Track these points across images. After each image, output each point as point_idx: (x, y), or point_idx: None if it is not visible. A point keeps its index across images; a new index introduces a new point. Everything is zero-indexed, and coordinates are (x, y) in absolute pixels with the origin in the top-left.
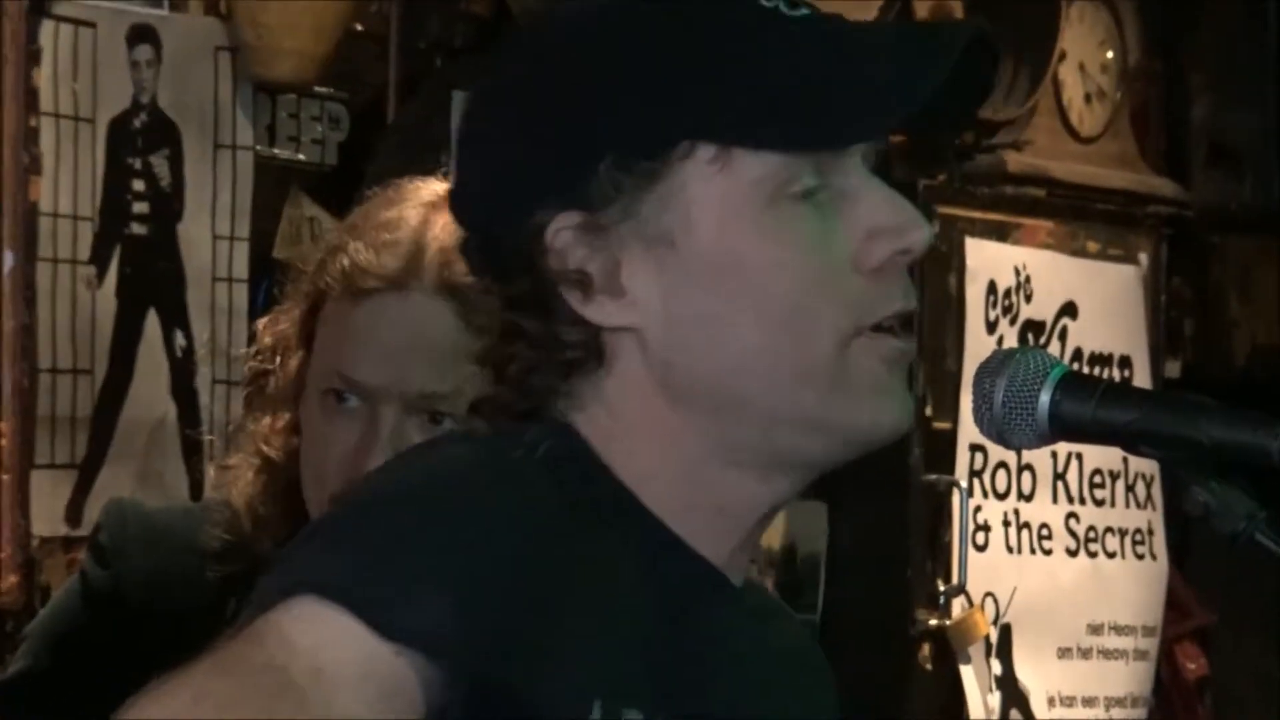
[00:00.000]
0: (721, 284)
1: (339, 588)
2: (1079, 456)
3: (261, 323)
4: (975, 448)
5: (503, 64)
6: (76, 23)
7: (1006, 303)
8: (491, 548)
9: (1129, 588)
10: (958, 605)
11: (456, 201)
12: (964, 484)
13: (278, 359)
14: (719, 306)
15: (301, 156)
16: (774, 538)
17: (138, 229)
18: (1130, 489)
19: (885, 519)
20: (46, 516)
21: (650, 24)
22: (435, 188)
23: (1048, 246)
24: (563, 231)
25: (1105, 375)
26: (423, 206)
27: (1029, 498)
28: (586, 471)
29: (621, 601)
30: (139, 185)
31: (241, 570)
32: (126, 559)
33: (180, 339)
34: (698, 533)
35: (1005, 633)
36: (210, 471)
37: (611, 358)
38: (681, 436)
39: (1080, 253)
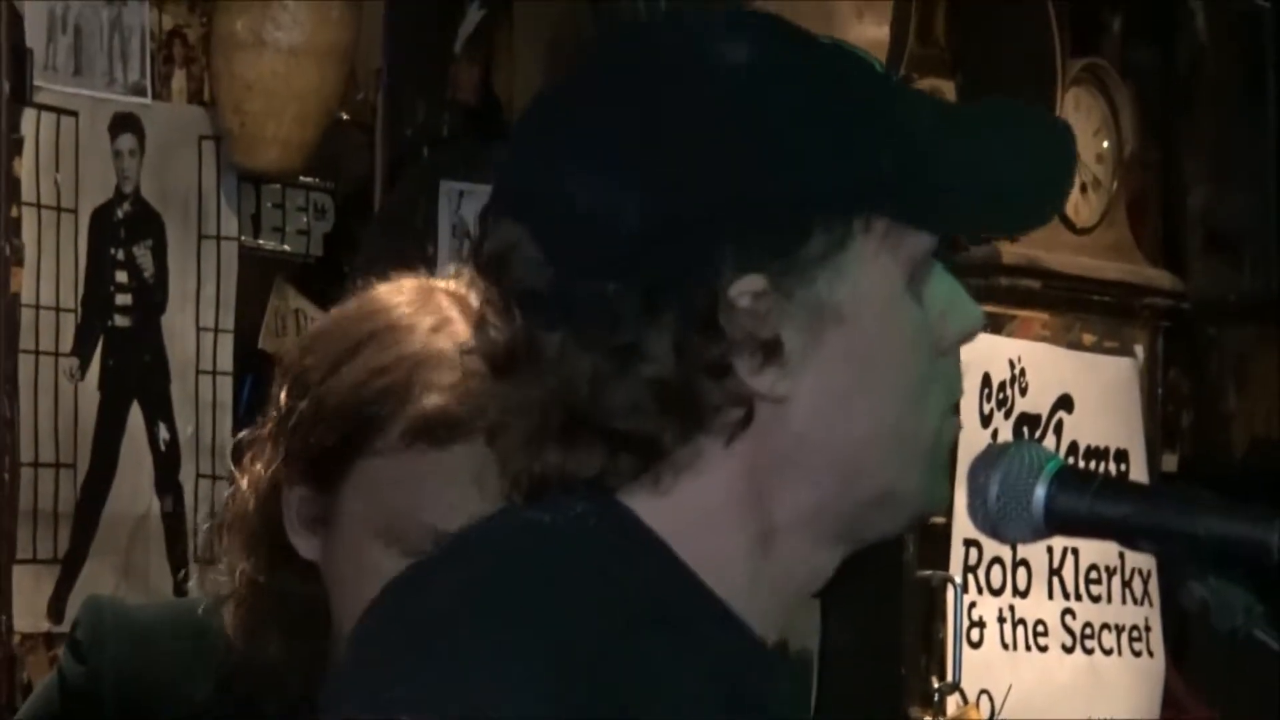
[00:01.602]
0: (874, 361)
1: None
2: (1075, 551)
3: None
4: (970, 543)
5: (650, 83)
6: (58, 111)
7: (1001, 396)
8: (579, 670)
9: (1126, 685)
10: (952, 703)
11: (588, 229)
12: (958, 580)
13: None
14: (867, 382)
15: (286, 247)
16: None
17: (121, 320)
18: (1127, 584)
19: (879, 615)
20: (28, 612)
21: (827, 85)
22: (459, 295)
23: (1043, 338)
24: (748, 294)
25: (1101, 469)
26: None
27: (1024, 593)
28: (651, 558)
29: (692, 709)
30: (122, 276)
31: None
32: (103, 656)
33: (164, 432)
34: (757, 607)
35: None
36: (195, 567)
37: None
38: (773, 511)
39: (1076, 345)
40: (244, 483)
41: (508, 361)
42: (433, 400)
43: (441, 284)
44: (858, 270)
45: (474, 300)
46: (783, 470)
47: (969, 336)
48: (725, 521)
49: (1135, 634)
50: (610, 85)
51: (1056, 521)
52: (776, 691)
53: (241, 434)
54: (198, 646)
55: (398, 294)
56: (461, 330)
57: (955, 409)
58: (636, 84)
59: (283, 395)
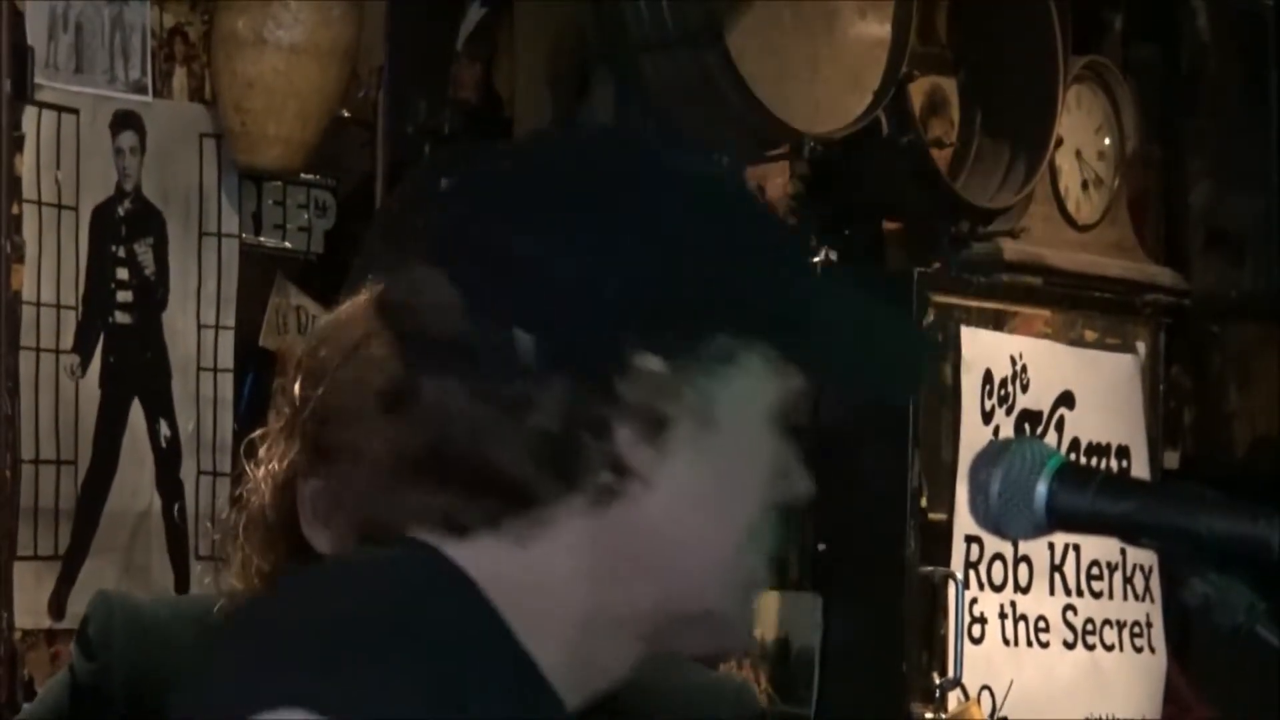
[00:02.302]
0: (733, 477)
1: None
2: (1076, 548)
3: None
4: (971, 539)
5: (604, 166)
6: (59, 109)
7: (1003, 392)
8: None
9: (1127, 681)
10: (954, 699)
11: (516, 280)
12: (960, 576)
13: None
14: (722, 496)
15: (287, 244)
16: (768, 631)
17: (121, 318)
18: (1129, 581)
19: (880, 612)
20: (29, 609)
21: (763, 223)
22: None
23: (1045, 335)
24: (646, 371)
25: (1103, 466)
26: None
27: (1026, 590)
28: (481, 621)
29: None
30: (123, 273)
31: None
32: (112, 653)
33: (164, 429)
34: (565, 682)
35: None
36: (196, 564)
37: (605, 504)
38: (613, 596)
39: (1077, 342)
40: (258, 476)
41: (385, 399)
42: None
43: None
44: (739, 387)
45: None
46: (630, 561)
47: (794, 503)
48: (565, 593)
49: (1137, 630)
50: (563, 161)
51: (1058, 518)
52: None
53: (254, 434)
54: (208, 643)
55: None
56: None
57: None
58: (585, 165)
59: (296, 387)
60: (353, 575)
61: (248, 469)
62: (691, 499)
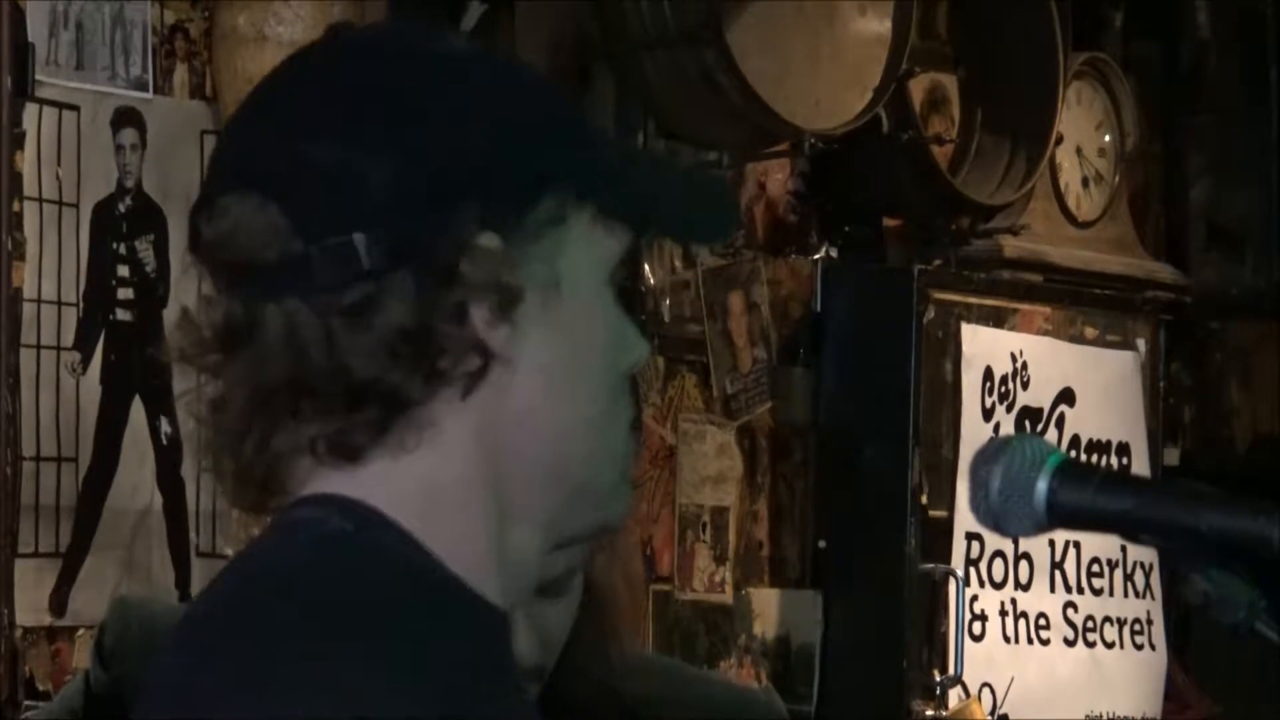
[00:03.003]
0: (585, 343)
1: None
2: (1077, 545)
3: None
4: (972, 536)
5: (390, 61)
6: (60, 106)
7: (1003, 389)
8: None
9: (1127, 678)
10: (954, 696)
11: (335, 190)
12: (960, 573)
13: None
14: (578, 364)
15: None
16: (768, 628)
17: (122, 315)
18: (1129, 578)
19: (880, 609)
20: (30, 606)
21: (553, 91)
22: None
23: (1045, 332)
24: (488, 250)
25: (1103, 463)
26: None
27: (1026, 587)
28: (404, 552)
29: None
30: (123, 270)
31: None
32: (127, 663)
33: (165, 426)
34: (494, 588)
35: None
36: (196, 561)
37: (471, 393)
38: (500, 492)
39: (1078, 338)
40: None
41: (228, 339)
42: None
43: None
44: (573, 249)
45: None
46: (509, 450)
47: (634, 368)
48: (458, 498)
49: (1137, 627)
50: (344, 65)
51: (1058, 515)
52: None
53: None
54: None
55: None
56: None
57: (635, 426)
58: (372, 64)
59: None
60: (269, 569)
61: None
62: (551, 372)
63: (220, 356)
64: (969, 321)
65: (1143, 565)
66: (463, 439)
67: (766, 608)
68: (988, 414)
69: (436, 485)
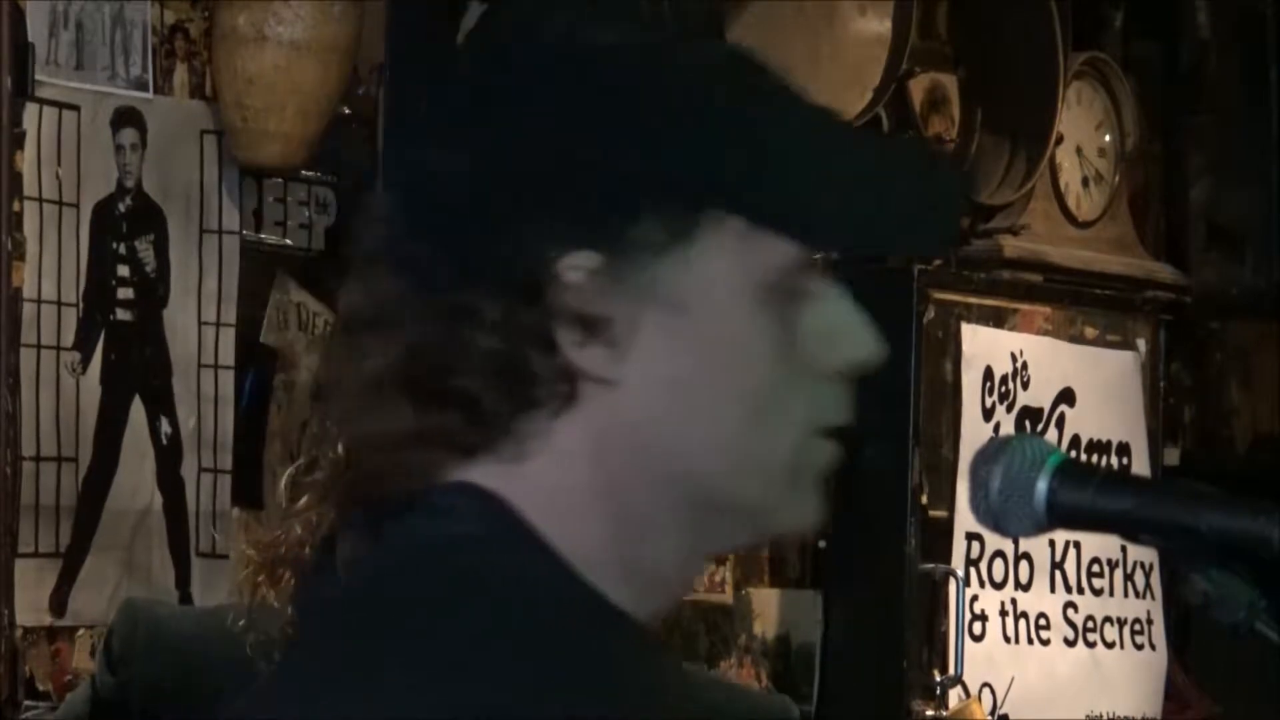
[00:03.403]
0: (717, 361)
1: None
2: (1077, 545)
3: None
4: (972, 536)
5: (519, 58)
6: (60, 106)
7: (1003, 389)
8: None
9: (1128, 678)
10: (954, 696)
11: (426, 192)
12: (960, 573)
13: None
14: (706, 379)
15: (288, 241)
16: (769, 628)
17: (122, 315)
18: (1129, 578)
19: (881, 609)
20: (30, 606)
21: (699, 81)
22: None
23: (1045, 332)
24: (579, 270)
25: (1103, 463)
26: None
27: (1026, 587)
28: (532, 554)
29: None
30: (123, 270)
31: None
32: (134, 668)
33: (165, 426)
34: (634, 602)
35: None
36: (196, 561)
37: (577, 407)
38: (628, 503)
39: (1078, 338)
40: (297, 529)
41: (360, 320)
42: None
43: None
44: (704, 265)
45: None
46: (628, 460)
47: (857, 366)
48: (582, 505)
49: (1137, 627)
50: (465, 62)
51: (1058, 515)
52: (663, 675)
53: (291, 470)
54: (231, 658)
55: None
56: None
57: (831, 434)
58: (486, 59)
59: (340, 446)
60: (413, 566)
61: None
62: (668, 388)
63: (347, 339)
64: (969, 321)
65: (1143, 565)
66: (577, 449)
67: (766, 607)
68: (988, 414)
69: (554, 490)
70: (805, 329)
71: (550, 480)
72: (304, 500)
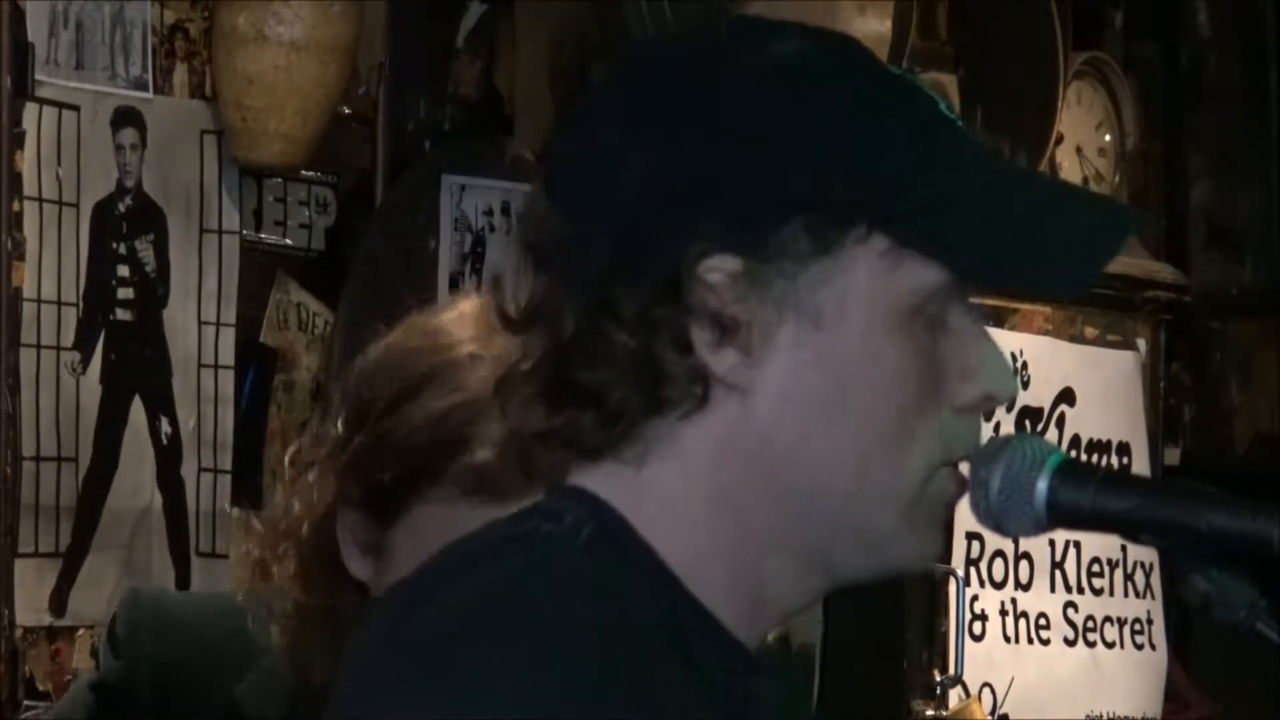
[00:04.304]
0: (849, 379)
1: None
2: (1077, 545)
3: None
4: (972, 536)
5: (687, 63)
6: (60, 106)
7: None
8: (591, 684)
9: (1128, 678)
10: (954, 696)
11: (589, 182)
12: (960, 573)
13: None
14: (838, 397)
15: (288, 241)
16: None
17: (122, 314)
18: (1129, 578)
19: (881, 608)
20: (30, 606)
21: (863, 95)
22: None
23: (1045, 332)
24: (720, 272)
25: (1103, 463)
26: None
27: (1026, 587)
28: (635, 563)
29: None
30: (123, 270)
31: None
32: (141, 652)
33: (165, 426)
34: (737, 619)
35: None
36: (196, 561)
37: (706, 412)
38: (745, 515)
39: (1078, 338)
40: (296, 505)
41: (520, 315)
42: (488, 455)
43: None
44: (845, 280)
45: None
46: (751, 471)
47: (993, 402)
48: (699, 515)
49: (1137, 627)
50: (638, 66)
51: (1058, 515)
52: (759, 698)
53: (293, 448)
54: (236, 642)
55: (460, 324)
56: None
57: (957, 470)
58: (662, 64)
59: (340, 424)
60: (512, 563)
61: (281, 487)
62: (801, 403)
63: (512, 330)
64: None
65: (1143, 565)
66: (703, 456)
67: None
68: (988, 414)
69: (672, 497)
70: (944, 359)
71: (669, 486)
72: (304, 475)
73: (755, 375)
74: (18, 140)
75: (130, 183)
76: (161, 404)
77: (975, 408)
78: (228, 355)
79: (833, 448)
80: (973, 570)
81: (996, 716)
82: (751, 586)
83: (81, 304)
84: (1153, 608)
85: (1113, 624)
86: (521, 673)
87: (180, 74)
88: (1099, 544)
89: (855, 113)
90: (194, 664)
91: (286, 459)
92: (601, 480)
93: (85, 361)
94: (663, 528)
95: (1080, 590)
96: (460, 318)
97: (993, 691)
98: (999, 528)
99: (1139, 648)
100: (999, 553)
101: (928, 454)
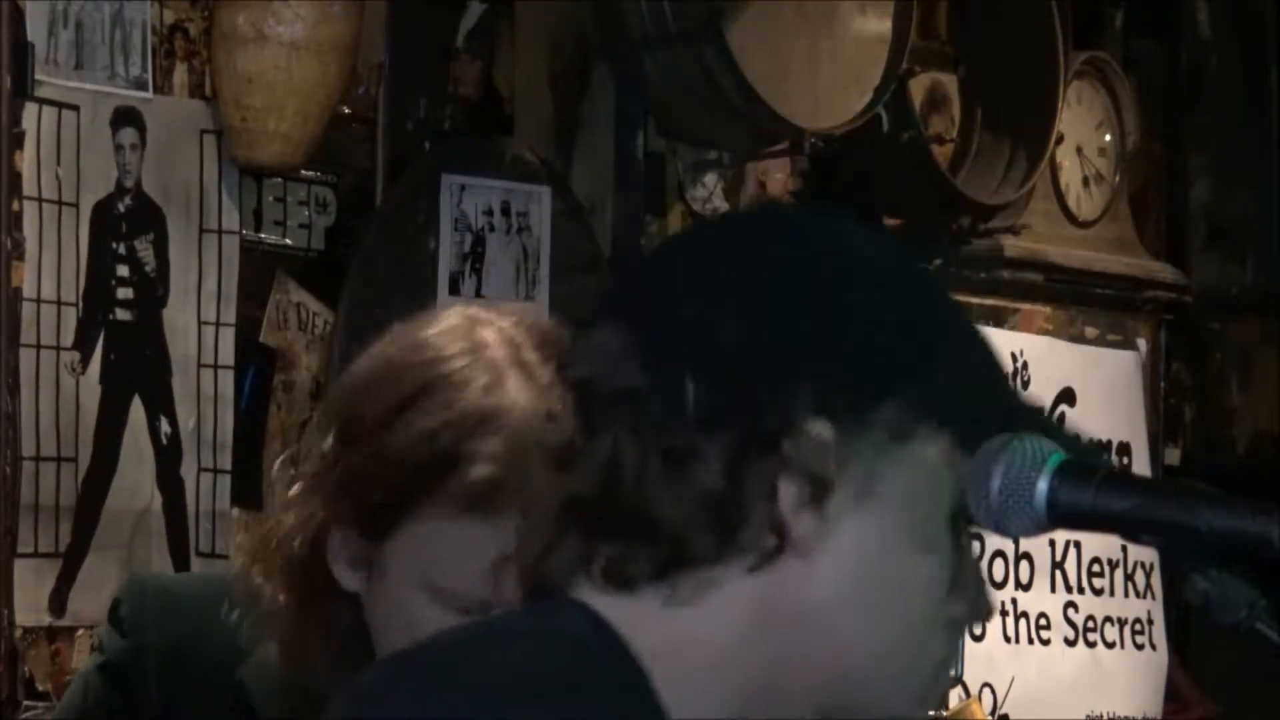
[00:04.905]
0: (900, 558)
1: None
2: (1077, 545)
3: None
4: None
5: (789, 239)
6: (59, 105)
7: None
8: None
9: (1128, 678)
10: (955, 696)
11: (688, 337)
12: None
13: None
14: (889, 586)
15: (288, 241)
16: None
17: (122, 314)
18: (1129, 578)
19: None
20: (29, 606)
21: (937, 304)
22: (503, 332)
23: (1045, 332)
24: (815, 436)
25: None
26: (523, 387)
27: (1027, 587)
28: (635, 691)
29: None
30: (123, 270)
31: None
32: (147, 631)
33: (165, 426)
34: None
35: None
36: (196, 561)
37: (768, 569)
38: (773, 677)
39: (1078, 338)
40: (287, 519)
41: (563, 454)
42: (481, 472)
43: (490, 322)
44: (911, 470)
45: (524, 342)
46: (794, 638)
47: (972, 621)
48: (724, 664)
49: (1138, 627)
50: (748, 235)
51: (1059, 515)
52: None
53: (281, 459)
54: (240, 623)
55: (448, 338)
56: (513, 388)
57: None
58: (768, 238)
59: (329, 440)
60: (514, 636)
61: (272, 499)
62: (855, 576)
63: (548, 471)
64: None
65: (1143, 565)
66: (742, 610)
67: None
68: None
69: (700, 643)
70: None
71: (702, 633)
72: (294, 490)
73: (822, 544)
74: (17, 140)
75: (130, 182)
76: (161, 404)
77: (960, 624)
78: (227, 355)
79: (865, 629)
80: None
81: (996, 716)
82: None
83: (81, 304)
84: (1153, 608)
85: (1113, 624)
86: None
87: (180, 74)
88: (1099, 544)
89: (939, 321)
90: (200, 645)
91: (274, 469)
92: (613, 608)
93: (85, 361)
94: (677, 671)
95: (1080, 590)
96: (448, 331)
97: (993, 691)
98: (999, 528)
99: (1139, 648)
100: (999, 553)
101: (933, 659)
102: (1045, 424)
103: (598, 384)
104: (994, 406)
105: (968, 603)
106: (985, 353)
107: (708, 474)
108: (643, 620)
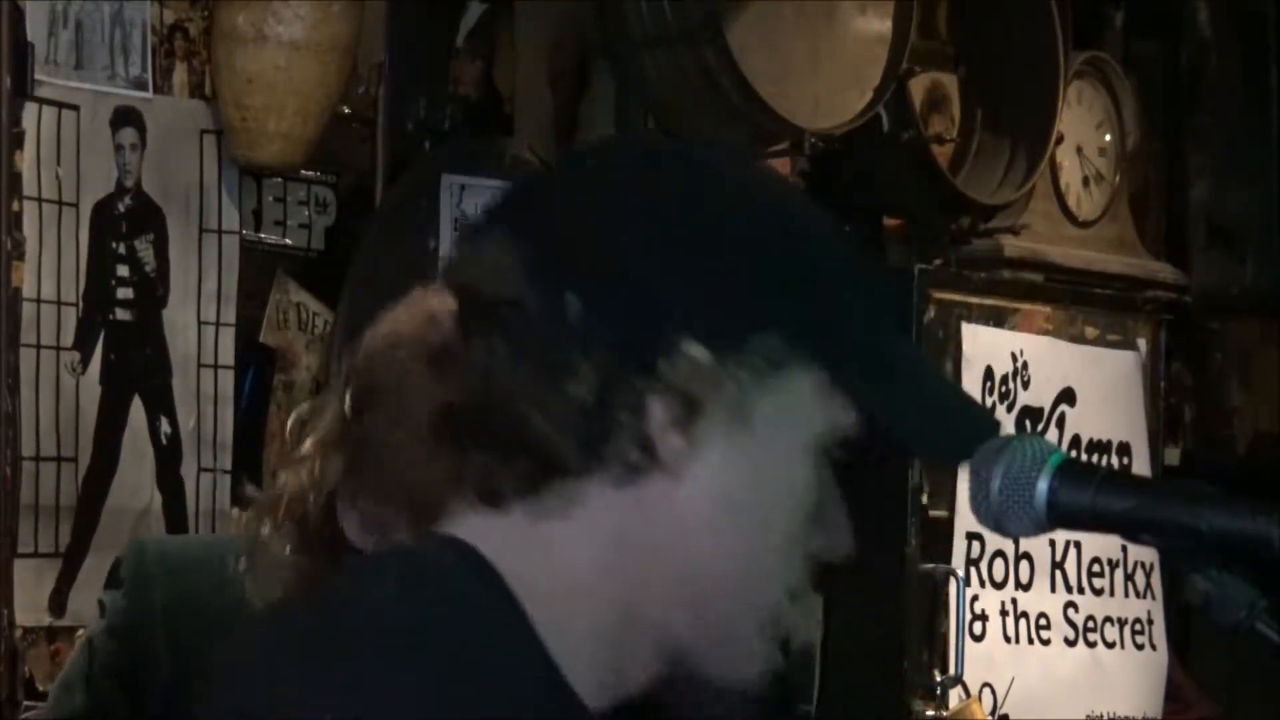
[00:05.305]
0: (764, 492)
1: None
2: (1077, 545)
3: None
4: (972, 536)
5: (685, 170)
6: (60, 105)
7: (1004, 389)
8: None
9: (1128, 678)
10: (955, 696)
11: (579, 245)
12: (961, 573)
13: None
14: (753, 507)
15: (288, 241)
16: None
17: (122, 314)
18: (1130, 578)
19: (881, 609)
20: (30, 606)
21: (831, 243)
22: None
23: (1045, 332)
24: (690, 358)
25: (1104, 462)
26: None
27: (1027, 587)
28: (495, 623)
29: None
30: (123, 270)
31: None
32: (151, 589)
33: (165, 426)
34: (587, 689)
35: None
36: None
37: (631, 485)
38: (632, 594)
39: (1078, 338)
40: (302, 477)
41: (439, 358)
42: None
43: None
44: (786, 400)
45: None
46: (654, 556)
47: (823, 556)
48: (587, 582)
49: (1138, 627)
50: (639, 162)
51: (1059, 515)
52: None
53: (292, 419)
54: (241, 582)
55: None
56: None
57: (795, 602)
58: (658, 166)
59: (347, 405)
60: (386, 583)
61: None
62: (719, 499)
63: (426, 372)
64: (969, 321)
65: (1143, 565)
66: (607, 526)
67: None
68: None
69: (567, 561)
70: (820, 501)
71: (564, 547)
72: (307, 445)
73: (689, 466)
74: (17, 140)
75: (130, 182)
76: (161, 404)
77: (818, 555)
78: (227, 355)
79: (737, 552)
80: (973, 570)
81: (996, 716)
82: (610, 661)
83: (81, 304)
84: (1153, 608)
85: (1113, 624)
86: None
87: (180, 73)
88: (1099, 544)
89: (825, 256)
90: (204, 603)
91: (288, 428)
92: (485, 529)
93: (85, 361)
94: (542, 584)
95: (1081, 590)
96: None
97: (993, 691)
98: (999, 528)
99: (1139, 648)
100: (999, 553)
101: (788, 580)
102: (923, 367)
103: (479, 291)
104: (872, 343)
105: (827, 537)
106: (871, 289)
107: (579, 386)
108: (512, 542)
